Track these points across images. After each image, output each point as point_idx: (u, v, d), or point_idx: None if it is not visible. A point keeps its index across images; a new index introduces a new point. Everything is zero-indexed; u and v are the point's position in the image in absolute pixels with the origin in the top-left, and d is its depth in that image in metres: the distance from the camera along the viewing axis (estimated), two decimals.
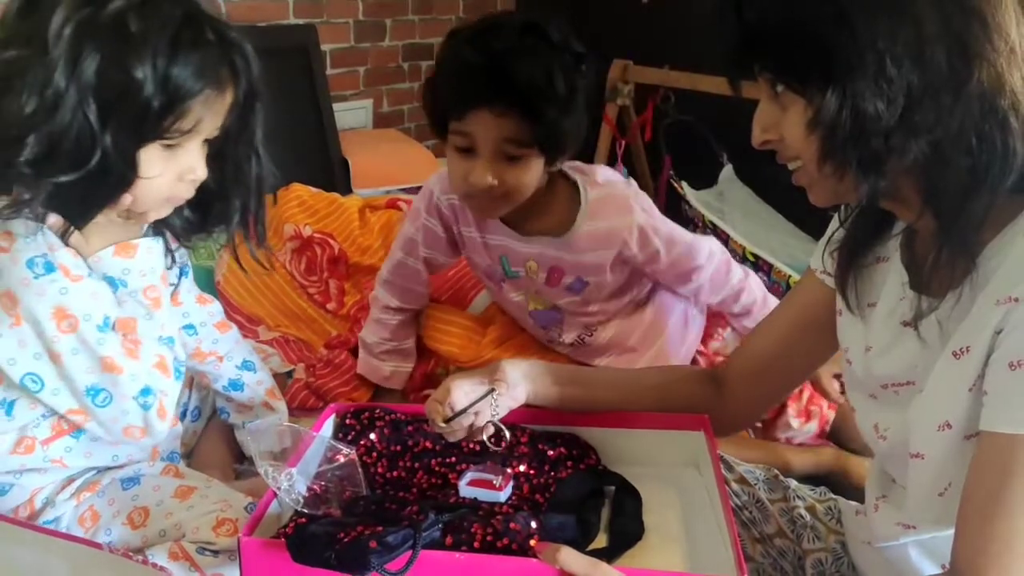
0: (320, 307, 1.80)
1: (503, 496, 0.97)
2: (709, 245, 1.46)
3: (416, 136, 3.43)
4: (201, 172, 0.99)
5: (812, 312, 1.03)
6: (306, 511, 0.90)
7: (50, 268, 0.96)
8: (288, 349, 1.67)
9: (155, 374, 1.04)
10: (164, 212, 1.02)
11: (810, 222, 2.58)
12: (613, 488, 1.03)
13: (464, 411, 0.98)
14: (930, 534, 0.87)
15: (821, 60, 0.73)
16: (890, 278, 0.90)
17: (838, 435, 1.52)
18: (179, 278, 1.17)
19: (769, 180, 2.60)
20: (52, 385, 0.99)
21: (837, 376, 1.38)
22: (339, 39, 3.09)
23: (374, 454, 1.06)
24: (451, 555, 0.82)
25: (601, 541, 0.94)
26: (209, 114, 0.94)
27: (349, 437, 1.07)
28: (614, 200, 1.37)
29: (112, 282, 1.03)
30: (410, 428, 1.09)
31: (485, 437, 1.01)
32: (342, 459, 0.96)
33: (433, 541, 0.84)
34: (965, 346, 0.76)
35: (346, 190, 2.57)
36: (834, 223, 0.99)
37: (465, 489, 0.98)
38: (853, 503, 1.09)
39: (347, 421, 1.10)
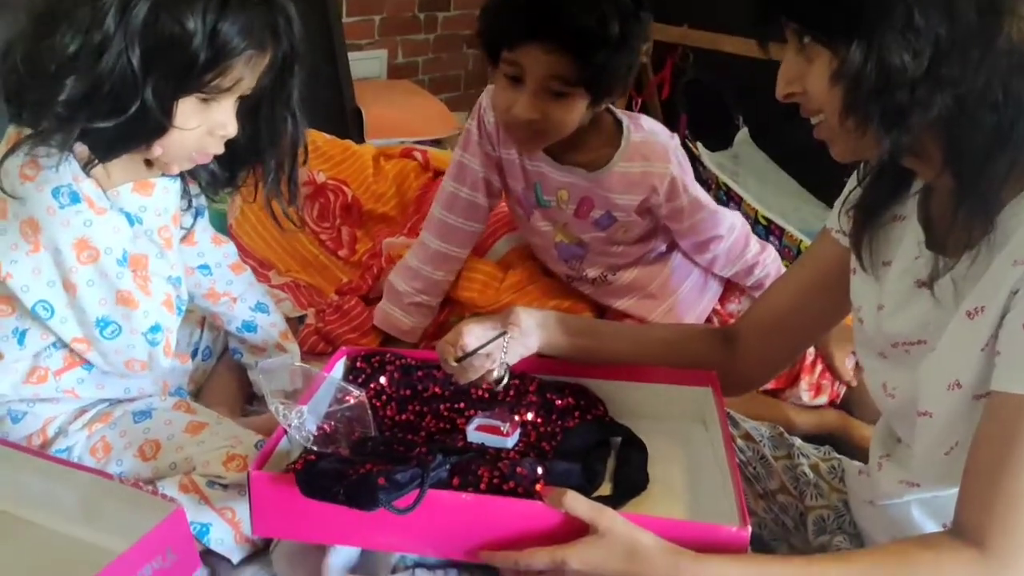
0: (332, 254, 1.79)
1: (510, 442, 0.98)
2: (732, 218, 1.46)
3: (430, 89, 3.40)
4: (232, 128, 0.99)
5: (826, 271, 1.03)
6: (315, 449, 0.91)
7: (75, 199, 0.96)
8: (299, 294, 1.67)
9: (163, 311, 1.06)
10: (188, 166, 1.03)
11: (824, 188, 2.57)
12: (619, 440, 1.04)
13: (475, 352, 0.98)
14: (933, 492, 0.87)
15: (849, 10, 0.72)
16: (906, 236, 0.90)
17: (846, 405, 1.52)
18: (195, 218, 1.17)
19: (784, 145, 2.62)
20: (61, 313, 1.00)
21: (854, 354, 1.38)
22: None
23: (383, 397, 1.07)
24: (458, 495, 0.83)
25: (605, 490, 0.95)
26: (249, 73, 0.95)
27: (359, 380, 1.08)
28: (654, 147, 1.37)
29: (128, 218, 1.04)
30: (420, 373, 1.10)
31: (493, 380, 1.01)
32: (352, 400, 0.96)
33: (440, 481, 0.85)
34: (980, 306, 0.76)
35: (359, 140, 2.56)
36: (851, 182, 0.99)
37: (473, 434, 0.99)
38: (856, 463, 1.10)
39: (358, 364, 1.11)
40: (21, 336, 1.05)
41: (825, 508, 1.07)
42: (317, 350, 1.56)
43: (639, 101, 2.68)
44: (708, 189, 2.36)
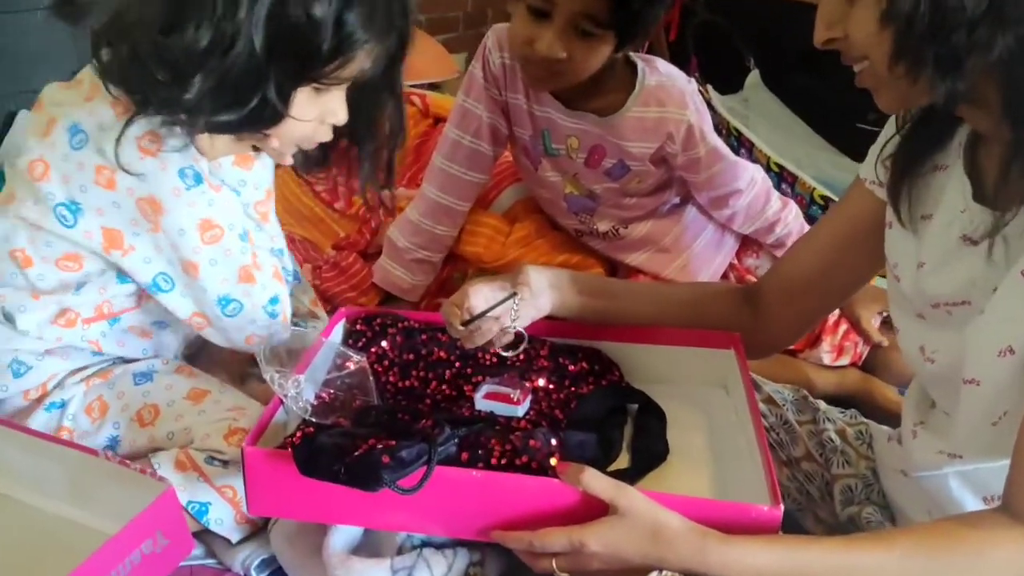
0: (327, 206, 1.71)
1: (521, 411, 0.92)
2: (753, 171, 1.39)
3: (428, 30, 3.29)
4: (343, 116, 0.95)
5: (859, 225, 0.96)
6: (314, 420, 0.85)
7: (199, 179, 0.94)
8: (295, 249, 1.59)
9: (275, 283, 1.05)
10: (292, 151, 0.99)
11: (838, 133, 2.49)
12: (636, 406, 0.98)
13: (483, 315, 0.92)
14: (975, 464, 0.82)
15: None
16: (949, 188, 0.83)
17: (869, 368, 1.46)
18: None
19: (797, 88, 2.53)
20: (181, 288, 0.99)
21: (881, 314, 1.32)
22: None
23: (385, 362, 1.01)
24: (467, 472, 0.77)
25: (623, 461, 0.90)
26: (368, 62, 0.91)
27: (360, 344, 1.02)
28: (670, 91, 1.30)
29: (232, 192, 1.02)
30: (424, 337, 1.03)
31: (502, 344, 0.95)
32: (352, 366, 0.91)
33: (448, 456, 0.79)
34: None
35: None
36: (887, 129, 0.91)
37: (481, 402, 0.93)
38: (885, 428, 1.05)
39: (358, 327, 1.05)
40: (78, 287, 1.01)
41: (853, 477, 1.02)
42: None
43: (646, 44, 2.58)
44: (719, 134, 2.28)
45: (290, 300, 1.09)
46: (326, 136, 0.97)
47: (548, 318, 1.00)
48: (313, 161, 1.07)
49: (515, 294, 0.94)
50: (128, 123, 0.87)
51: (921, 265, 0.85)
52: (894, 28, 0.69)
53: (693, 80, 1.34)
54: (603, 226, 1.46)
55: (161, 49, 0.84)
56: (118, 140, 0.87)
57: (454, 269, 1.55)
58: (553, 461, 0.79)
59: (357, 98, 0.97)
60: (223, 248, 0.97)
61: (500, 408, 0.92)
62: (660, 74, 1.31)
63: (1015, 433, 0.72)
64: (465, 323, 0.92)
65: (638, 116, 1.30)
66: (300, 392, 0.86)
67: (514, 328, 0.94)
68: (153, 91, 0.86)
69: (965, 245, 0.79)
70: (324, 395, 0.89)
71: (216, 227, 0.96)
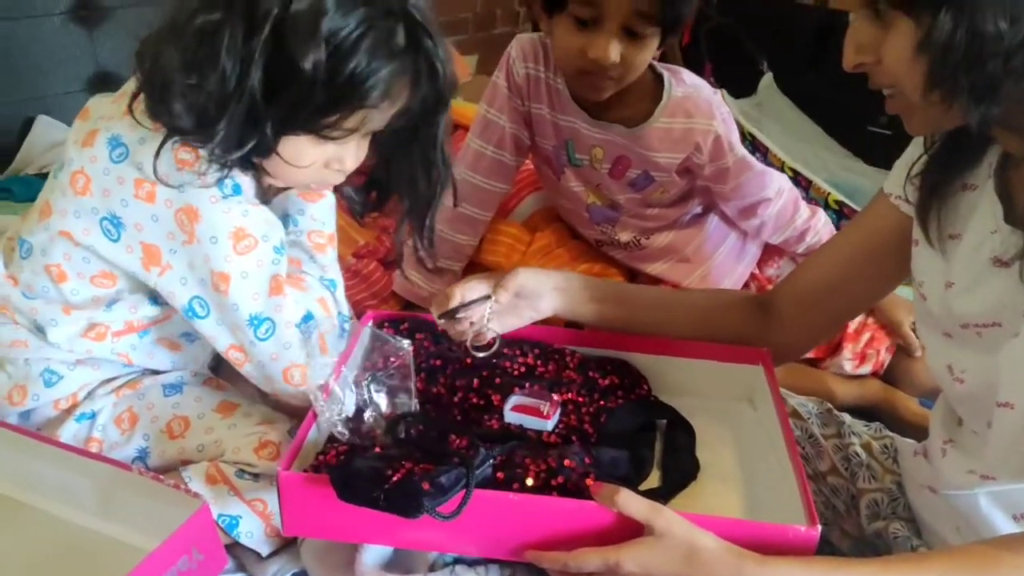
0: (346, 213, 1.72)
1: (550, 424, 0.92)
2: (780, 180, 1.40)
3: None
4: (350, 164, 0.94)
5: (882, 238, 0.96)
6: (346, 435, 0.85)
7: (237, 190, 0.92)
8: None
9: (317, 307, 1.01)
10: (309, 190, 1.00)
11: (851, 137, 2.49)
12: (665, 421, 0.98)
13: (454, 312, 0.93)
14: (1008, 486, 0.82)
15: None
16: (979, 208, 0.83)
17: (891, 378, 1.46)
18: None
19: (809, 91, 2.52)
20: (216, 315, 0.95)
21: None
22: None
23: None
24: (504, 495, 0.78)
25: (653, 478, 0.90)
26: (378, 116, 0.89)
27: None
28: (697, 102, 1.31)
29: (286, 220, 1.02)
30: (451, 343, 1.03)
31: (475, 345, 0.96)
32: (395, 359, 0.92)
33: (485, 479, 0.79)
34: None
35: None
36: (915, 146, 0.91)
37: (510, 415, 0.93)
38: (910, 441, 1.05)
39: (384, 330, 1.05)
40: (110, 304, 1.00)
41: (879, 491, 1.02)
42: None
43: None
44: None
45: (341, 339, 1.04)
46: (335, 180, 0.96)
47: (573, 325, 1.00)
48: (361, 205, 1.07)
49: (489, 297, 0.95)
50: (164, 140, 0.87)
51: (950, 285, 0.84)
52: (929, 56, 0.69)
53: (719, 91, 1.34)
54: (624, 236, 1.46)
55: (179, 90, 0.84)
56: (157, 155, 0.87)
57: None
58: (588, 481, 0.79)
59: (389, 147, 0.96)
60: (255, 259, 0.94)
61: (529, 421, 0.92)
62: (686, 85, 1.31)
63: None
64: (440, 315, 0.94)
65: (665, 127, 1.30)
66: (342, 409, 0.86)
67: (489, 330, 0.95)
68: (170, 123, 0.86)
69: (996, 267, 0.79)
70: (360, 401, 0.88)
71: (249, 236, 0.93)
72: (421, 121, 0.93)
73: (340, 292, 1.06)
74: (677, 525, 0.73)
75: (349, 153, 0.93)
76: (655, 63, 1.31)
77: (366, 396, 0.89)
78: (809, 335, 1.10)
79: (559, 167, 1.43)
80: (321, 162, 0.92)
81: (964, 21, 0.65)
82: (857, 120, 2.44)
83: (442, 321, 0.94)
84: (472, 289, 0.96)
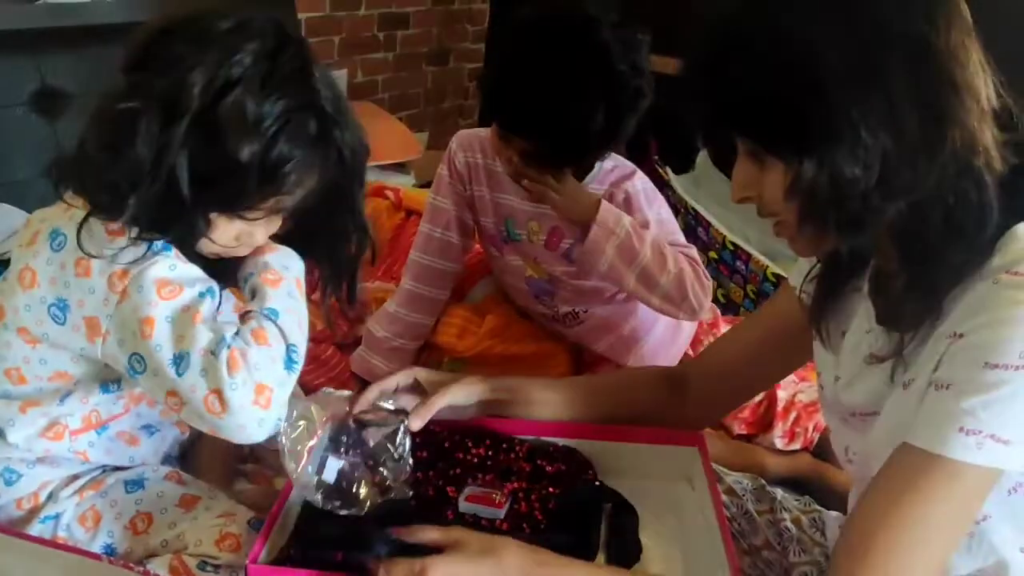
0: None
1: (502, 512, 0.99)
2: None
3: (390, 107, 3.38)
4: (260, 239, 1.00)
5: (785, 327, 1.06)
6: (319, 499, 0.92)
7: (168, 248, 0.95)
8: None
9: (224, 328, 0.95)
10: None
11: None
12: (609, 504, 1.04)
13: (365, 423, 1.01)
14: None
15: (797, 130, 0.74)
16: (860, 309, 0.93)
17: (822, 452, 1.55)
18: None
19: None
20: (152, 366, 0.92)
21: None
22: (315, 8, 3.02)
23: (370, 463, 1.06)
24: None
25: (599, 561, 0.96)
26: (289, 199, 0.95)
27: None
28: (622, 170, 1.45)
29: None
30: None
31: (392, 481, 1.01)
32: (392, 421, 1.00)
33: None
34: (913, 377, 0.80)
35: None
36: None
37: (464, 505, 0.99)
38: (835, 514, 1.13)
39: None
40: (64, 397, 1.03)
41: (808, 564, 1.09)
42: None
43: None
44: (677, 214, 2.39)
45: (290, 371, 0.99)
46: (242, 252, 1.01)
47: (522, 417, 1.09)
48: None
49: (403, 421, 1.01)
50: (88, 215, 0.91)
51: (838, 379, 0.94)
52: (799, 196, 0.76)
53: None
54: (564, 308, 1.56)
55: (93, 167, 0.89)
56: (80, 227, 0.91)
57: (430, 357, 1.62)
58: None
59: (307, 221, 1.02)
60: (180, 303, 0.92)
61: (482, 510, 0.99)
62: (614, 158, 1.45)
63: None
64: (355, 416, 1.01)
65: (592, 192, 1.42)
66: (320, 479, 0.92)
67: (400, 455, 1.00)
68: (87, 198, 0.92)
69: (871, 363, 0.87)
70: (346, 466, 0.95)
71: (173, 284, 0.93)
72: (333, 196, 0.99)
73: (285, 319, 0.99)
74: (474, 535, 0.84)
75: (259, 229, 0.98)
76: None
77: (344, 465, 0.94)
78: (718, 406, 1.20)
79: (500, 243, 1.54)
80: (232, 236, 0.97)
81: (824, 169, 0.73)
82: None
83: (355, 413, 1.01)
84: (383, 393, 1.05)
